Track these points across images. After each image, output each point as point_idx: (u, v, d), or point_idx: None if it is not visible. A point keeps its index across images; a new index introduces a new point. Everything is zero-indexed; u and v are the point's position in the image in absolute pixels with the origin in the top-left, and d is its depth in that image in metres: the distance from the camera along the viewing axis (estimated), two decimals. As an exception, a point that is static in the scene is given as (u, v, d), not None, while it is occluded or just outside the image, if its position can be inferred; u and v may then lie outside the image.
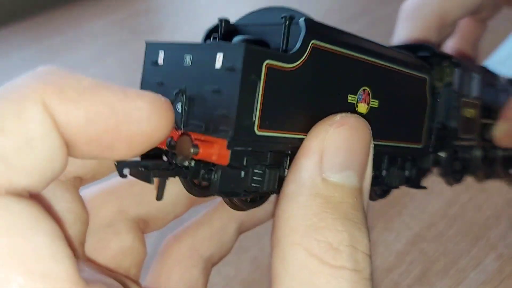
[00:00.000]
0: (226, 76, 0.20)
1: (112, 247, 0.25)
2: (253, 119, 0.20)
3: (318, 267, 0.20)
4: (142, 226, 0.27)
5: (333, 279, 0.19)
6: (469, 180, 0.51)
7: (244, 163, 0.21)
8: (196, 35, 0.26)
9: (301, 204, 0.20)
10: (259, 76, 0.20)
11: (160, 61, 0.23)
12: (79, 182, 0.24)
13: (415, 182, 0.31)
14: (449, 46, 0.47)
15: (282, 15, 0.22)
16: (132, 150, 0.19)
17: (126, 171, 0.20)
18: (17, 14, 0.74)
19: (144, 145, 0.19)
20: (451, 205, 0.49)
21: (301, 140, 0.22)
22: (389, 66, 0.26)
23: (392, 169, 0.29)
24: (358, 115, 0.23)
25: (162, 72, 0.23)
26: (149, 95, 0.19)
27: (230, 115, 0.19)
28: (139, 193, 0.26)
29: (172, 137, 0.21)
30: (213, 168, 0.21)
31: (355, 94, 0.24)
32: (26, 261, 0.16)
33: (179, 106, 0.21)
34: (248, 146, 0.20)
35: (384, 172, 0.28)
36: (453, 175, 0.35)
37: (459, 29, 0.46)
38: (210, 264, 0.28)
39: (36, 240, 0.16)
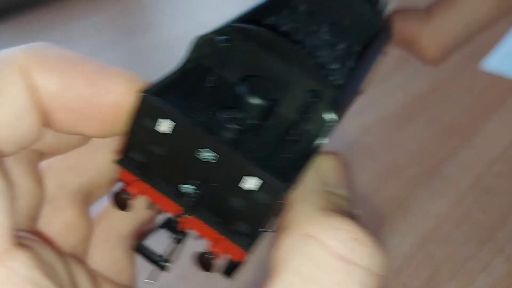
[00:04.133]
0: (256, 195, 0.18)
1: (55, 224, 0.24)
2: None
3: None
4: (85, 199, 0.25)
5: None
6: (473, 181, 0.50)
7: None
8: (189, 33, 0.25)
9: None
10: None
11: (165, 129, 0.19)
12: (37, 156, 0.23)
13: None
14: None
15: None
16: (105, 126, 0.20)
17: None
18: (8, 11, 0.72)
19: (117, 122, 0.20)
20: (456, 207, 0.48)
21: None
22: None
23: None
24: None
25: (167, 144, 0.19)
26: (126, 72, 0.20)
27: (254, 227, 0.18)
28: (75, 163, 0.25)
29: (177, 217, 0.20)
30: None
31: None
32: None
33: (188, 188, 0.19)
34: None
35: None
36: None
37: None
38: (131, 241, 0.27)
39: None
